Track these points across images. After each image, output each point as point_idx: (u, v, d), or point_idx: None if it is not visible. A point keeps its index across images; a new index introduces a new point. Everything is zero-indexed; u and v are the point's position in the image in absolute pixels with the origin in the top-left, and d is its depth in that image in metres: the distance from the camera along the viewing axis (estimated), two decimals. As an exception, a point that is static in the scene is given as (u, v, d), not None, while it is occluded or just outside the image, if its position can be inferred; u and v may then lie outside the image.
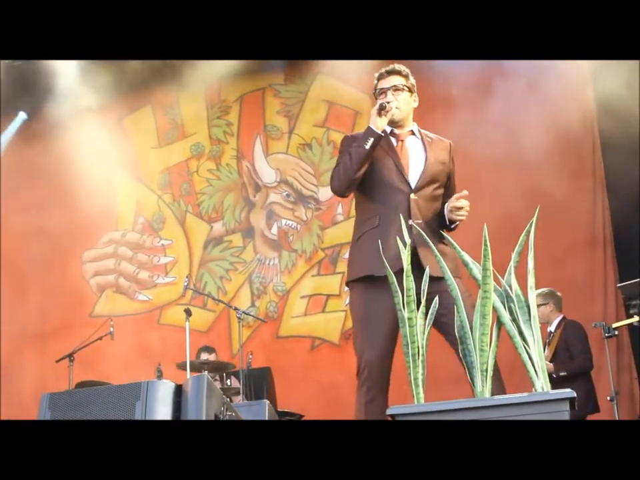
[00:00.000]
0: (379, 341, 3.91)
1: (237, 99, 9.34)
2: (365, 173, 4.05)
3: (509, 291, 3.14)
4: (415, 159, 4.14)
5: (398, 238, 3.44)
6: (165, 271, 9.18)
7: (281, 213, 8.98)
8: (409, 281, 3.15)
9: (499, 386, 3.74)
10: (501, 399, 2.99)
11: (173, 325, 8.67)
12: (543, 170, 8.01)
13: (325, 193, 8.89)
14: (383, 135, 4.04)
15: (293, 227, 8.91)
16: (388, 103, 4.07)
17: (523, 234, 3.20)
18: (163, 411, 3.27)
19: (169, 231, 9.28)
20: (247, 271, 8.93)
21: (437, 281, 3.59)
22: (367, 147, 4.00)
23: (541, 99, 8.11)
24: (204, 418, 3.16)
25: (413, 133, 4.23)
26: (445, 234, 3.82)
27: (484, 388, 3.05)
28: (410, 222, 3.94)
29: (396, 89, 4.17)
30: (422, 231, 3.76)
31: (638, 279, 5.36)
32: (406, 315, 3.13)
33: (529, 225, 3.18)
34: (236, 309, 7.18)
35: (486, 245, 3.09)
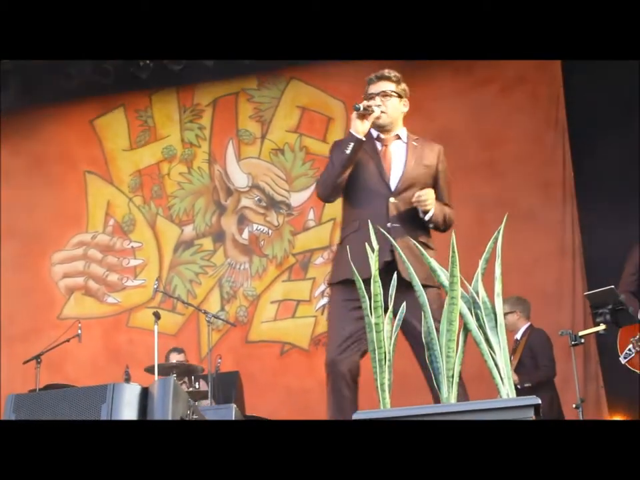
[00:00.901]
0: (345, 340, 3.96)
1: (209, 102, 9.32)
2: (349, 177, 4.08)
3: (476, 297, 3.15)
4: (397, 162, 4.18)
5: (373, 243, 3.39)
6: (135, 273, 9.14)
7: (253, 217, 8.96)
8: (376, 286, 3.15)
9: (461, 392, 3.77)
10: (466, 404, 3.01)
11: (142, 327, 8.62)
12: (514, 179, 8.08)
13: (297, 199, 8.89)
14: (364, 139, 4.06)
15: (264, 231, 8.90)
16: (369, 107, 4.08)
17: (491, 241, 3.21)
18: (128, 413, 3.26)
19: (139, 234, 9.23)
20: (217, 275, 8.91)
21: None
22: (348, 151, 4.02)
23: (513, 107, 8.17)
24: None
25: (399, 137, 4.26)
26: (414, 242, 3.80)
27: (450, 394, 3.07)
28: (389, 225, 3.97)
29: (384, 94, 4.20)
30: (399, 235, 3.88)
31: (604, 288, 5.41)
32: (373, 320, 3.13)
33: (496, 232, 3.20)
34: (205, 312, 7.16)
35: (453, 252, 3.10)
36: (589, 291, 6.12)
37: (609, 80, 7.43)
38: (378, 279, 3.20)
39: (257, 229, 8.92)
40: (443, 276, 3.20)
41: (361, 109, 4.06)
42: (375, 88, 4.22)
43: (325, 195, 4.20)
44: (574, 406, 5.71)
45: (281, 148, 8.99)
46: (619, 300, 5.30)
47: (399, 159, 4.19)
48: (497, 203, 7.66)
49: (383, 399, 3.13)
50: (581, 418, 5.52)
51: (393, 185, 4.12)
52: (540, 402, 2.92)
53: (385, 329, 3.18)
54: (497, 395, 3.12)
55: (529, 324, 6.75)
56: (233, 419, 4.40)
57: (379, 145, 4.22)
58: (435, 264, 3.24)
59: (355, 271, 3.32)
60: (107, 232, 9.31)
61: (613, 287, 5.39)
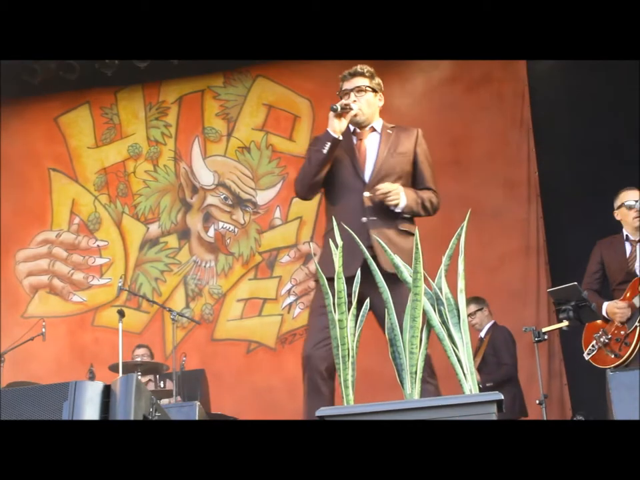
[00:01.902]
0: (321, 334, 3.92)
1: (175, 100, 9.28)
2: (327, 175, 4.08)
3: (439, 293, 3.16)
4: (371, 155, 4.17)
5: (337, 239, 3.30)
6: (100, 272, 9.09)
7: (218, 215, 8.94)
8: (340, 282, 3.15)
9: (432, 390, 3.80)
10: (429, 400, 3.01)
11: (108, 326, 8.56)
12: (480, 177, 8.12)
13: (263, 197, 8.88)
14: (341, 138, 4.06)
15: (230, 229, 8.88)
16: (346, 105, 4.08)
17: (454, 237, 3.23)
18: (90, 411, 3.23)
19: (104, 232, 9.18)
20: (182, 273, 8.88)
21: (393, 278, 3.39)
22: (325, 151, 4.02)
23: (479, 106, 8.21)
24: (132, 418, 3.13)
25: (374, 129, 4.25)
26: (376, 237, 3.77)
27: (413, 390, 3.07)
28: (364, 219, 4.00)
29: (359, 90, 4.20)
30: (377, 227, 3.94)
31: (567, 285, 5.44)
32: (337, 317, 3.13)
33: (460, 228, 3.22)
34: (170, 310, 7.13)
35: (417, 248, 3.11)
36: (553, 288, 6.16)
37: (572, 79, 7.49)
38: (342, 275, 3.20)
39: (222, 227, 8.90)
40: (406, 272, 3.21)
41: (339, 109, 4.06)
42: (349, 84, 4.22)
43: (302, 193, 4.20)
44: (537, 402, 5.75)
45: (247, 146, 8.98)
46: (582, 296, 5.33)
47: (372, 150, 4.18)
48: (462, 201, 7.66)
49: (347, 396, 3.13)
50: (544, 414, 5.56)
51: (367, 178, 4.12)
52: (502, 398, 2.94)
53: (348, 326, 3.18)
54: (461, 391, 3.13)
55: (493, 322, 6.81)
56: (197, 417, 4.39)
57: (354, 139, 4.22)
58: (397, 260, 3.25)
59: (320, 270, 3.32)
60: (72, 230, 9.25)
61: (575, 283, 5.42)
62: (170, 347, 7.48)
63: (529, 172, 8.06)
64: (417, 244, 3.14)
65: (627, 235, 5.53)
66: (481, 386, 6.23)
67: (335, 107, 4.05)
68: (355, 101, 4.17)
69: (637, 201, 5.36)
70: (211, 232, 8.89)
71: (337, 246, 3.28)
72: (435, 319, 3.13)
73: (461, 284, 3.17)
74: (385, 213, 4.06)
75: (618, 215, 5.54)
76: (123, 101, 9.38)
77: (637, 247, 5.47)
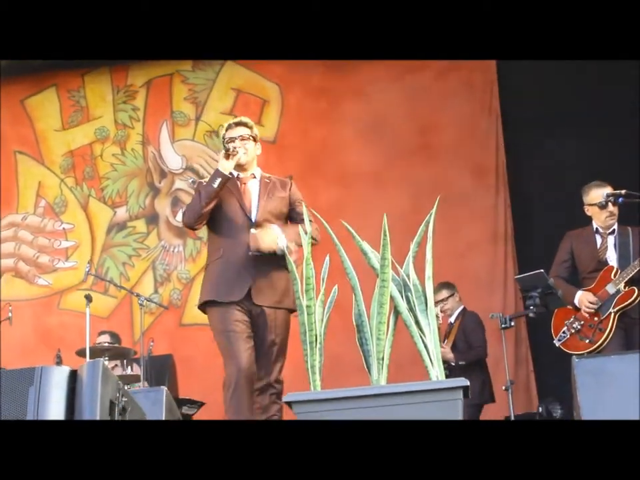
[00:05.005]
0: (244, 353, 4.49)
1: (143, 83, 9.21)
2: (214, 210, 4.64)
3: (407, 280, 3.18)
4: (254, 197, 4.75)
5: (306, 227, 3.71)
6: (66, 255, 9.02)
7: (186, 199, 8.87)
8: (308, 269, 3.16)
9: None
10: (396, 386, 3.03)
11: (73, 310, 8.51)
12: (448, 164, 8.14)
13: (232, 181, 8.85)
14: (230, 175, 4.64)
15: (198, 214, 8.83)
16: (234, 148, 4.67)
17: (422, 224, 3.25)
18: (57, 396, 3.21)
19: (70, 215, 9.10)
20: (150, 258, 8.84)
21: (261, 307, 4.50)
22: (215, 185, 4.59)
23: (448, 92, 8.22)
24: (98, 404, 3.12)
25: (254, 176, 4.83)
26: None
27: (380, 376, 3.09)
28: (250, 253, 4.52)
29: (242, 138, 4.79)
30: (260, 261, 4.46)
31: (534, 272, 5.48)
32: (304, 302, 3.14)
33: (428, 215, 3.23)
34: (138, 295, 7.10)
35: (385, 235, 3.13)
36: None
37: (542, 69, 7.51)
38: (310, 261, 3.21)
39: (191, 211, 8.84)
40: (374, 259, 3.22)
41: (230, 149, 4.65)
42: (234, 132, 4.81)
43: (190, 222, 4.71)
44: (503, 388, 5.80)
45: (216, 130, 8.93)
46: (548, 284, 5.38)
47: (255, 193, 4.77)
48: (431, 188, 7.70)
49: (314, 381, 3.15)
50: (510, 400, 5.60)
51: (253, 217, 4.67)
52: (468, 384, 2.96)
53: (316, 311, 3.19)
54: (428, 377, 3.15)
55: (462, 307, 6.87)
56: (164, 401, 4.39)
57: (238, 183, 4.78)
58: (365, 246, 3.26)
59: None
60: (38, 213, 9.17)
61: (542, 270, 5.46)
62: (138, 332, 7.44)
63: (497, 159, 8.09)
64: (384, 230, 3.15)
65: (597, 228, 5.59)
66: (453, 364, 6.30)
67: (227, 146, 4.67)
68: (239, 147, 4.74)
69: (607, 201, 5.42)
70: (179, 216, 8.84)
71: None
72: (403, 306, 3.15)
73: (428, 271, 3.19)
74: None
75: (589, 210, 5.60)
76: (91, 84, 9.29)
77: (608, 238, 5.55)
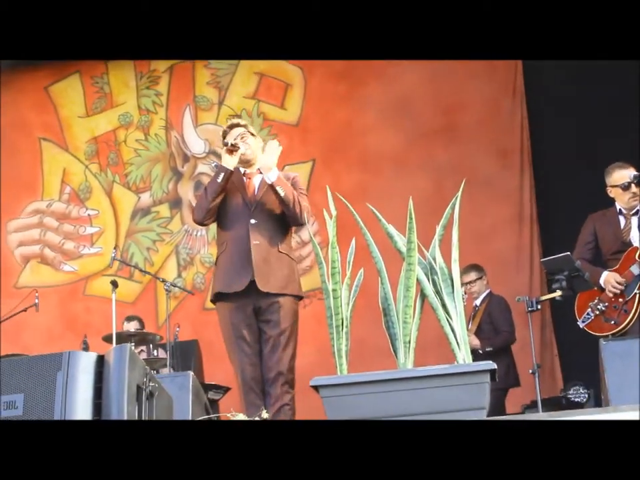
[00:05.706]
0: (245, 359, 4.74)
1: (166, 69, 9.21)
2: (220, 205, 4.83)
3: (433, 263, 3.17)
4: (258, 192, 4.91)
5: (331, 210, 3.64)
6: (91, 241, 9.06)
7: (210, 184, 8.91)
8: (334, 252, 3.16)
9: None
10: (423, 370, 3.02)
11: (99, 296, 8.56)
12: (472, 146, 8.09)
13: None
14: (233, 170, 4.82)
15: (221, 198, 8.84)
16: (236, 143, 4.83)
17: (448, 207, 3.23)
18: (84, 381, 3.23)
19: (95, 201, 9.14)
20: (173, 242, 8.86)
21: (267, 296, 4.68)
22: (219, 180, 4.78)
23: (471, 74, 8.16)
24: (126, 388, 3.14)
25: (260, 172, 4.94)
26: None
27: (407, 359, 3.08)
28: (251, 244, 4.70)
29: (242, 137, 4.97)
30: (261, 250, 4.68)
31: (560, 255, 5.44)
32: (330, 286, 3.14)
33: (454, 198, 3.21)
34: (163, 280, 7.11)
35: (411, 218, 3.11)
36: (545, 257, 6.15)
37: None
38: (335, 245, 3.20)
39: (214, 195, 8.85)
40: (400, 242, 3.21)
41: (229, 144, 4.83)
42: (231, 136, 4.97)
43: (199, 218, 4.93)
44: (530, 371, 5.76)
45: (239, 114, 8.92)
46: (575, 266, 5.33)
47: (260, 188, 4.91)
48: (454, 170, 7.67)
49: (340, 365, 3.14)
50: (537, 384, 5.57)
51: (253, 208, 4.84)
52: (495, 367, 2.95)
53: (342, 295, 3.18)
54: (454, 360, 3.14)
55: (489, 290, 6.82)
56: (190, 386, 4.43)
57: (244, 178, 4.97)
58: (391, 230, 3.25)
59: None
60: (63, 200, 9.20)
61: (568, 253, 5.41)
62: (162, 317, 7.47)
63: (522, 140, 8.03)
64: (410, 213, 3.14)
65: (620, 209, 5.54)
66: (480, 351, 6.27)
67: (226, 141, 4.84)
68: (236, 143, 4.90)
69: (630, 182, 5.37)
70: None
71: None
72: (429, 289, 3.14)
73: (455, 254, 3.17)
74: (269, 237, 4.81)
75: (612, 192, 5.55)
76: (114, 70, 9.30)
77: (631, 219, 5.49)
